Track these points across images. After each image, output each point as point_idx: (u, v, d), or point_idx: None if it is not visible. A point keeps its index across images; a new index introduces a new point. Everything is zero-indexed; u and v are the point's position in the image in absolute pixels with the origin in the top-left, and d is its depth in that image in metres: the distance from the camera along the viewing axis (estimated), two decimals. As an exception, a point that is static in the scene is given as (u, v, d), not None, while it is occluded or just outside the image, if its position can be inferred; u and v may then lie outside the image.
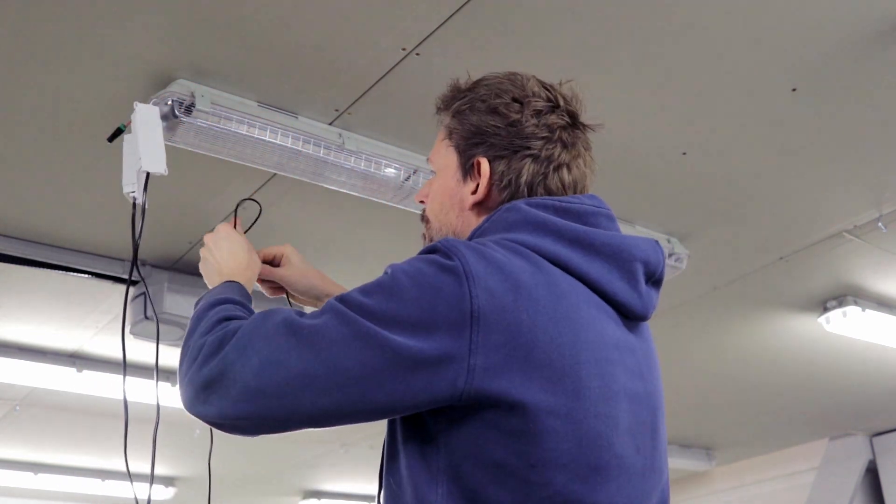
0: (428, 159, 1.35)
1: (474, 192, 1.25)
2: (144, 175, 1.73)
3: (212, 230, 1.50)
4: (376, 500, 1.21)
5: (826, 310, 3.41)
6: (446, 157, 1.30)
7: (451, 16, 1.88)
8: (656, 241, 1.26)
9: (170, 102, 2.01)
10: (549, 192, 1.22)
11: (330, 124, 2.25)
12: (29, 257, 2.78)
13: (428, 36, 1.94)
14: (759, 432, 5.20)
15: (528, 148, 1.22)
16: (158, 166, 1.73)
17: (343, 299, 1.09)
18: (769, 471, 5.69)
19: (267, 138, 2.13)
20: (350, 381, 1.05)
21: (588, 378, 1.07)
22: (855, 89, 2.21)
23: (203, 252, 1.48)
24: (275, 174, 2.29)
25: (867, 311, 3.37)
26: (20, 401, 4.13)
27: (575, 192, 1.24)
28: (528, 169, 1.22)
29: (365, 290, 1.09)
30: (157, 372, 1.52)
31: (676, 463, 5.24)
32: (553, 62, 2.03)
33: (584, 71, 2.07)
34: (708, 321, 3.59)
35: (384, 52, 1.99)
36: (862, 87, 2.20)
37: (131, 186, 1.75)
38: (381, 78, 2.08)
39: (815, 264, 3.13)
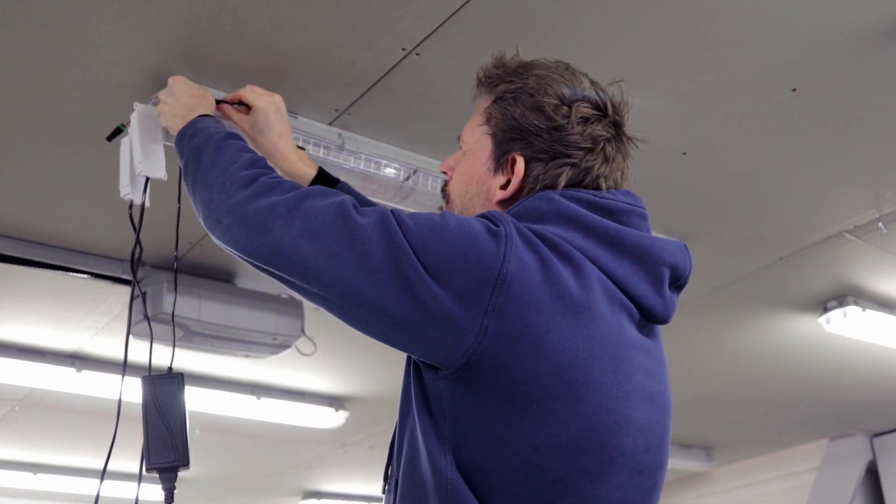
0: (459, 137, 1.32)
1: (503, 187, 1.23)
2: (143, 179, 1.70)
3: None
4: (392, 465, 1.20)
5: (826, 310, 3.40)
6: (480, 142, 1.27)
7: (451, 16, 1.88)
8: (685, 246, 1.26)
9: (170, 102, 2.00)
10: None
11: (330, 124, 2.25)
12: (29, 257, 2.77)
13: (428, 36, 1.94)
14: (759, 432, 5.20)
15: (569, 156, 1.20)
16: (157, 171, 1.70)
17: (394, 211, 1.12)
18: (769, 471, 5.68)
19: (267, 138, 2.12)
20: (370, 282, 1.07)
21: (600, 373, 1.07)
22: (855, 89, 2.21)
23: (161, 107, 1.63)
24: (275, 174, 2.29)
25: (867, 311, 3.37)
26: (20, 401, 4.13)
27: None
28: (564, 176, 1.20)
29: (415, 215, 1.13)
30: (149, 371, 1.52)
31: (676, 463, 5.23)
32: (553, 62, 2.03)
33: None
34: (708, 321, 3.59)
35: (384, 52, 1.99)
36: (862, 87, 2.20)
37: (128, 189, 1.72)
38: (381, 78, 2.08)
39: (815, 264, 3.13)
